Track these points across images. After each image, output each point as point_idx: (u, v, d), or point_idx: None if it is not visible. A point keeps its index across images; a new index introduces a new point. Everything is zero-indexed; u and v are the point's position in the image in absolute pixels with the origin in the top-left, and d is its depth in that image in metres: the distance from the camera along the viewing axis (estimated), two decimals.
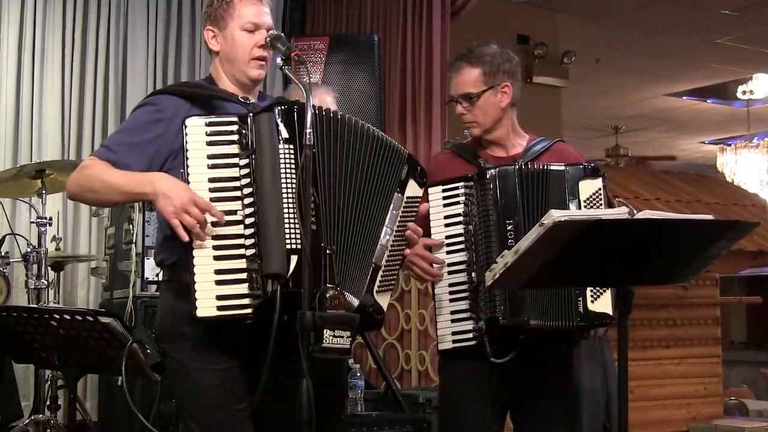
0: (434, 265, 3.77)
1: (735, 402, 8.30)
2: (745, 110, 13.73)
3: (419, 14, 7.57)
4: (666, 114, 14.24)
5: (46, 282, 5.80)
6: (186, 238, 3.08)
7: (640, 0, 9.49)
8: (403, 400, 5.96)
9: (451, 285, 3.79)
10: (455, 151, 4.08)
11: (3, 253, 5.97)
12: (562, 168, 3.79)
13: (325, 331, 2.99)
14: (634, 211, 3.14)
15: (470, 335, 3.74)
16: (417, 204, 3.53)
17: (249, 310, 3.08)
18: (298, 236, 3.05)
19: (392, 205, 3.41)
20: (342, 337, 3.06)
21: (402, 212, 3.44)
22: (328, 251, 3.15)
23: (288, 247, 3.05)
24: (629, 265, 3.06)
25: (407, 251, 3.52)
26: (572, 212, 2.99)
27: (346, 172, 3.27)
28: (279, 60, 3.32)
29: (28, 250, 5.85)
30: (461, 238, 3.79)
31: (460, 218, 3.80)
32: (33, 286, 5.77)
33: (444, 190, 3.84)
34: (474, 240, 3.76)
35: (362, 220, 3.31)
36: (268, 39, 3.40)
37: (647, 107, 13.82)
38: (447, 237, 3.81)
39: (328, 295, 3.07)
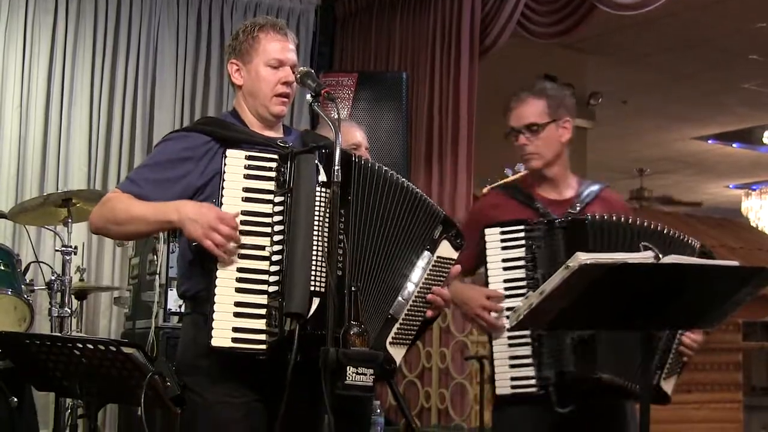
0: (492, 314, 3.70)
1: None
2: None
3: (448, 52, 7.59)
4: (691, 157, 14.21)
5: (69, 310, 5.81)
6: (223, 255, 3.08)
7: (668, 44, 9.50)
8: None
9: (510, 330, 3.62)
10: (506, 191, 4.02)
11: (28, 281, 5.99)
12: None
13: (348, 368, 2.99)
14: (660, 256, 3.13)
15: (532, 382, 3.63)
16: (449, 265, 3.45)
17: (263, 346, 3.08)
18: (323, 279, 3.05)
19: (420, 262, 3.36)
20: (365, 374, 3.04)
21: (430, 271, 3.38)
22: (353, 288, 3.14)
23: (312, 288, 3.05)
24: (654, 310, 3.03)
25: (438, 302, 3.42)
26: (599, 255, 2.96)
27: (377, 222, 3.26)
28: (309, 96, 3.30)
29: (53, 278, 5.87)
30: (522, 283, 3.70)
31: (521, 262, 3.72)
32: (56, 314, 5.78)
33: (503, 233, 3.75)
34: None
35: (385, 270, 3.28)
36: (299, 75, 3.38)
37: (673, 150, 13.79)
38: (505, 280, 3.73)
39: (352, 332, 3.08)
